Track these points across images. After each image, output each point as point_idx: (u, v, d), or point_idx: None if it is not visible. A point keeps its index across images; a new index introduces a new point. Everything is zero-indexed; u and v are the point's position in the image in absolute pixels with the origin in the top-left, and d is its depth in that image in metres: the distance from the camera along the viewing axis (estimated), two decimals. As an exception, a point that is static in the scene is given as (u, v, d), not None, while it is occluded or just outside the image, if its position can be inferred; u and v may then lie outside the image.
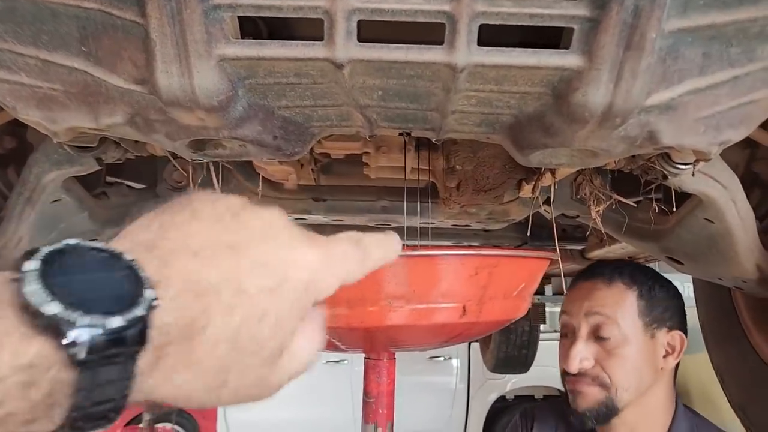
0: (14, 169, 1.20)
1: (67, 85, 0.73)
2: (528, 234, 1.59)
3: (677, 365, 1.27)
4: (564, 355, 1.22)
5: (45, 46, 0.69)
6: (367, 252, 0.43)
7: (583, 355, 1.19)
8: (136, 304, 0.31)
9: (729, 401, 1.83)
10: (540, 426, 1.35)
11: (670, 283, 1.30)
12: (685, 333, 1.26)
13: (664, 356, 1.23)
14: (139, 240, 0.35)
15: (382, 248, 0.45)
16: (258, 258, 0.36)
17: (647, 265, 1.48)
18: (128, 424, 5.37)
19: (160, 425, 5.40)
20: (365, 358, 1.04)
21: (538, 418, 1.37)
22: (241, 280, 0.34)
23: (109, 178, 1.43)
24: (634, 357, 1.19)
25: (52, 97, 0.75)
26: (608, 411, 1.18)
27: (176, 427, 5.77)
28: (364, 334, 0.89)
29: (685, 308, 1.31)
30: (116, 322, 0.30)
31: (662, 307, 1.24)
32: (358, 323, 0.85)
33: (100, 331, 0.29)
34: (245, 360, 0.35)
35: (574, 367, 1.19)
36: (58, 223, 1.22)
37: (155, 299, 0.32)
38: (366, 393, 1.03)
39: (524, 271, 0.97)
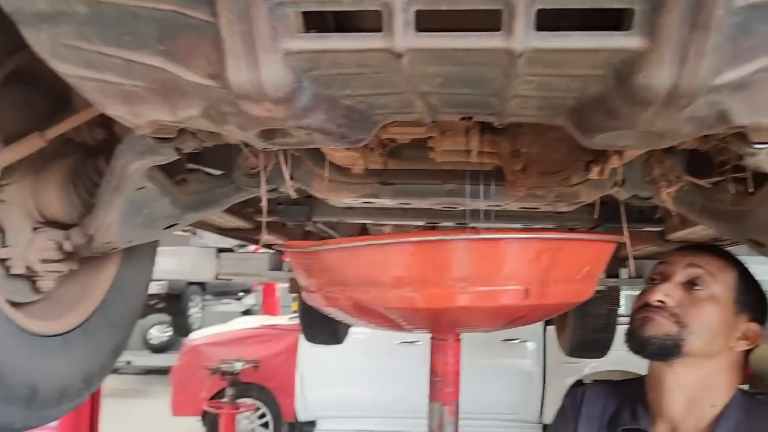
0: (105, 159, 1.29)
1: (147, 82, 0.78)
2: (598, 216, 1.56)
3: (746, 359, 1.25)
4: (648, 291, 1.25)
5: (127, 46, 0.74)
6: None
7: (668, 293, 1.22)
8: None
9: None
10: (588, 407, 1.35)
11: (761, 286, 1.31)
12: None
13: (738, 338, 1.21)
14: None
15: None
16: None
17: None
18: (213, 398, 5.66)
19: (241, 400, 5.65)
20: (431, 338, 1.07)
21: (587, 400, 1.36)
22: None
23: (189, 165, 1.51)
24: (715, 317, 1.21)
25: (134, 94, 0.81)
26: (673, 346, 1.19)
27: (257, 402, 6.03)
28: (430, 315, 0.92)
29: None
30: None
31: (753, 297, 1.25)
32: (424, 304, 0.87)
33: None
34: None
35: (655, 297, 1.22)
36: (143, 208, 1.31)
37: None
38: (432, 372, 1.06)
39: (588, 254, 0.97)
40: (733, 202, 1.19)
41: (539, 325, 5.96)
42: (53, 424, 1.95)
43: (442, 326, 1.02)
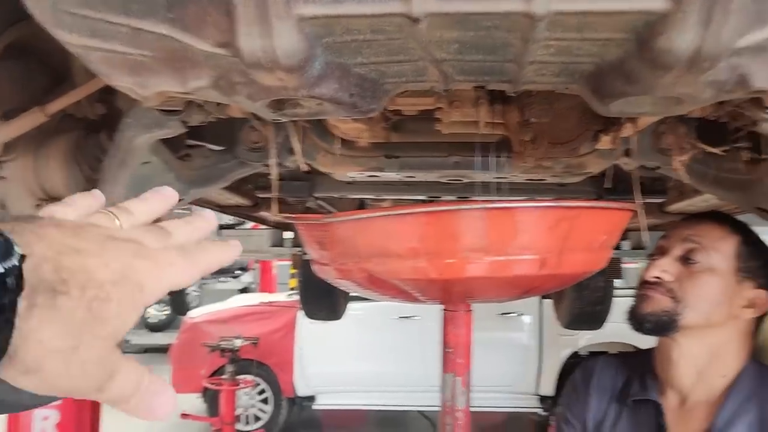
0: (106, 135, 1.27)
1: (156, 51, 0.76)
2: (605, 187, 1.55)
3: (758, 326, 1.25)
4: (647, 267, 1.27)
5: (134, 14, 0.72)
6: (194, 261, 0.46)
7: (665, 268, 1.23)
8: (10, 255, 0.35)
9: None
10: (599, 381, 1.36)
11: None
12: None
13: (743, 306, 1.21)
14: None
15: (211, 256, 0.48)
16: (101, 259, 0.40)
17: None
18: (212, 375, 5.69)
19: (241, 377, 5.68)
20: (443, 309, 1.06)
21: (597, 373, 1.37)
22: (89, 270, 0.39)
23: (190, 141, 1.49)
24: (713, 288, 1.21)
25: (142, 64, 0.78)
26: (669, 322, 1.21)
27: (256, 378, 6.06)
28: (443, 286, 0.91)
29: None
30: None
31: (760, 263, 1.24)
32: (437, 275, 0.87)
33: None
34: (95, 329, 0.38)
35: (651, 274, 1.23)
36: (148, 184, 1.29)
37: (24, 255, 0.36)
38: (445, 343, 1.05)
39: (605, 222, 0.96)
40: (744, 170, 1.18)
41: (535, 298, 6.00)
42: (56, 402, 1.96)
43: (455, 297, 1.01)
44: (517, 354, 6.20)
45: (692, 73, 0.72)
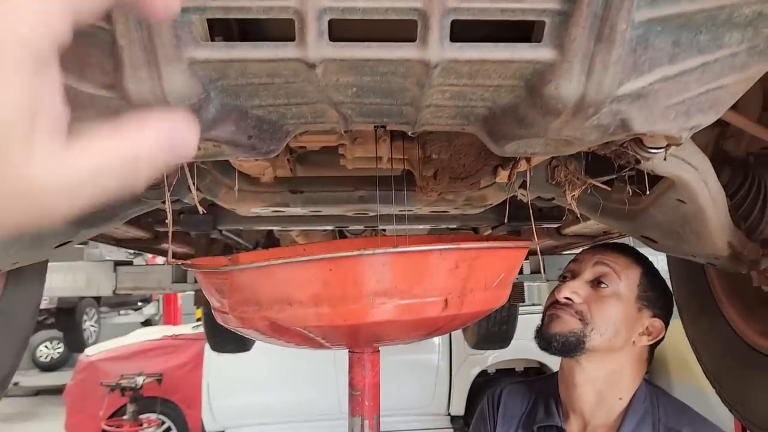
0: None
1: None
2: (506, 217, 1.60)
3: (652, 355, 1.32)
4: (557, 288, 1.31)
5: None
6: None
7: (575, 290, 1.28)
8: None
9: (704, 372, 1.88)
10: (505, 408, 1.39)
11: (668, 286, 1.39)
12: (666, 326, 1.32)
13: (640, 333, 1.28)
14: None
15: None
16: None
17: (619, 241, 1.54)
18: (112, 416, 5.36)
19: (144, 416, 5.39)
20: (349, 351, 1.05)
21: (504, 401, 1.41)
22: None
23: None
24: (618, 313, 1.26)
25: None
26: (576, 343, 1.25)
27: (161, 416, 5.77)
28: (349, 332, 0.90)
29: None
30: None
31: (657, 294, 1.31)
32: (342, 321, 0.85)
33: None
34: None
35: (563, 294, 1.27)
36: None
37: None
38: (352, 386, 1.03)
39: (504, 261, 0.99)
40: (629, 202, 1.26)
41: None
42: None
43: (362, 341, 1.00)
44: (428, 375, 6.28)
45: (579, 118, 0.76)
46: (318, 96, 0.76)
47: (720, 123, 1.42)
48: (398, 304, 0.84)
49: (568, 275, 1.33)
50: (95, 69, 0.68)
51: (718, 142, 1.49)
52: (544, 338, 1.28)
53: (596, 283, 1.28)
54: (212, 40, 0.69)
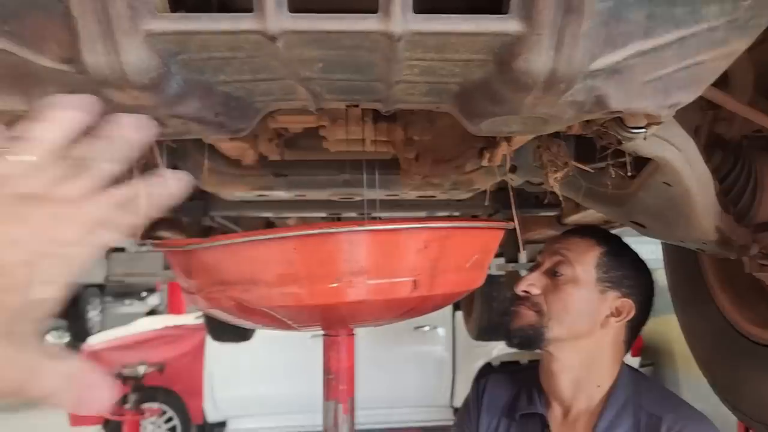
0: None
1: None
2: (492, 202, 1.59)
3: (633, 335, 1.29)
4: (516, 282, 1.31)
5: None
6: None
7: (532, 282, 1.27)
8: None
9: (696, 360, 1.86)
10: (489, 398, 1.39)
11: (642, 262, 1.35)
12: (645, 307, 1.29)
13: (608, 315, 1.25)
14: None
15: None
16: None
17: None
18: (114, 405, 5.39)
19: (146, 405, 5.41)
20: (324, 335, 1.04)
21: (487, 391, 1.40)
22: None
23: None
24: (576, 299, 1.25)
25: (-21, 80, 0.72)
26: (535, 336, 1.24)
27: (163, 406, 5.79)
28: (317, 312, 0.88)
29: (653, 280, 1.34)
30: None
31: (622, 273, 1.28)
32: (310, 301, 0.84)
33: None
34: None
35: (520, 288, 1.27)
36: None
37: None
38: (326, 370, 1.03)
39: (477, 242, 0.97)
40: (615, 186, 1.24)
41: (449, 311, 6.09)
42: None
43: (332, 323, 0.99)
44: (432, 367, 6.27)
45: (551, 94, 0.74)
46: (284, 71, 0.75)
47: (714, 106, 1.39)
48: (366, 284, 0.83)
49: (532, 268, 1.32)
50: (53, 42, 0.67)
51: (711, 126, 1.47)
52: (507, 335, 1.28)
53: (552, 272, 1.27)
54: (172, 12, 0.67)
